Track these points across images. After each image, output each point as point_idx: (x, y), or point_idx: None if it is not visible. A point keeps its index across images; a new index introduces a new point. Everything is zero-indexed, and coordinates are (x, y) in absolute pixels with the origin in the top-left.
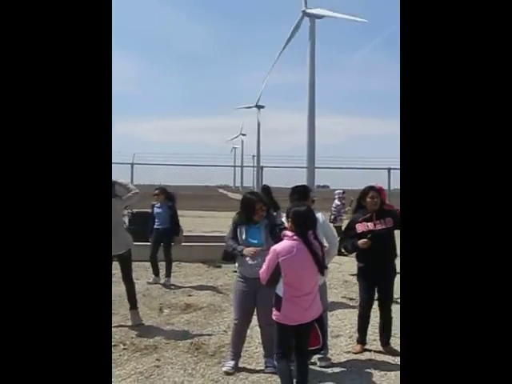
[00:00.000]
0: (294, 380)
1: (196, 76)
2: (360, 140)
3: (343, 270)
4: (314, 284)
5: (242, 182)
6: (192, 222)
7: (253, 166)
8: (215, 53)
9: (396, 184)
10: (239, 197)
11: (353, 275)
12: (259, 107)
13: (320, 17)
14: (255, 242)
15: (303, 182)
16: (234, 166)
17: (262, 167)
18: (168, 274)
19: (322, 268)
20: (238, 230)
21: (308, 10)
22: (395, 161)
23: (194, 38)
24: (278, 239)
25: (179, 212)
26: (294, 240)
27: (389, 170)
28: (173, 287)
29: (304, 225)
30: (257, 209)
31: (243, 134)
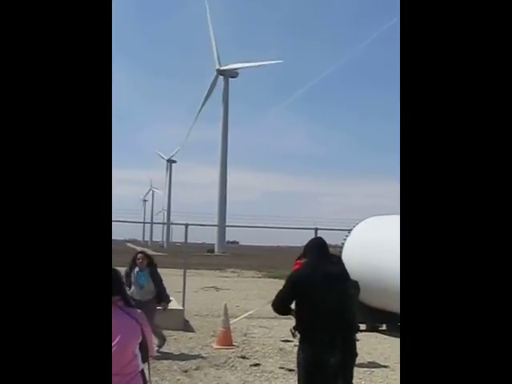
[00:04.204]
0: None
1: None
2: (274, 196)
3: (274, 336)
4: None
5: (151, 237)
6: None
7: (162, 223)
8: (132, 102)
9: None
10: (149, 251)
11: (286, 341)
12: (171, 162)
13: (234, 75)
14: (141, 282)
15: (214, 238)
16: (144, 223)
17: (171, 224)
18: None
19: None
20: (132, 273)
21: (222, 67)
22: (297, 219)
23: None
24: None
25: None
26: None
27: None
28: None
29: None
30: (138, 260)
31: (155, 188)
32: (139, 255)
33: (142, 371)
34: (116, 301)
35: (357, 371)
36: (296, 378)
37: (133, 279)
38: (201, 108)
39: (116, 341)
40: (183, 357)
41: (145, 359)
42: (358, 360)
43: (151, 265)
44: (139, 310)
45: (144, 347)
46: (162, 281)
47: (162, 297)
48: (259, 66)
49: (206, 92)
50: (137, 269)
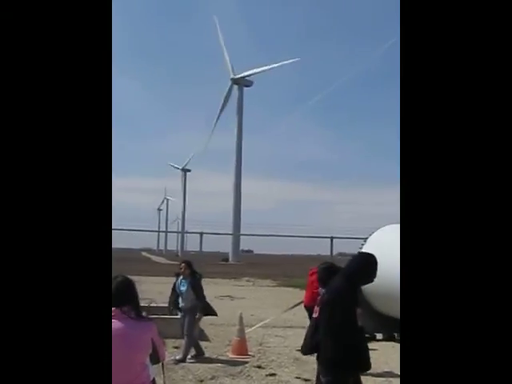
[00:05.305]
0: None
1: (124, 134)
2: (288, 205)
3: (289, 345)
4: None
5: (165, 246)
6: None
7: (177, 232)
8: (149, 109)
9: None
10: (163, 260)
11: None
12: (186, 171)
13: (249, 84)
14: (182, 288)
15: (228, 247)
16: (159, 232)
17: (186, 233)
18: None
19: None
20: (177, 280)
21: (236, 76)
22: (311, 228)
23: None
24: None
25: None
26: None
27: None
28: None
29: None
30: (180, 269)
31: (169, 197)
32: (182, 264)
33: (154, 381)
34: (127, 311)
35: (374, 381)
36: None
37: (176, 286)
38: (217, 119)
39: (125, 352)
40: (198, 366)
41: (155, 362)
42: (375, 370)
43: (193, 275)
44: (151, 321)
45: (155, 357)
46: (201, 291)
47: (201, 307)
48: (271, 68)
49: (222, 101)
50: (181, 277)
